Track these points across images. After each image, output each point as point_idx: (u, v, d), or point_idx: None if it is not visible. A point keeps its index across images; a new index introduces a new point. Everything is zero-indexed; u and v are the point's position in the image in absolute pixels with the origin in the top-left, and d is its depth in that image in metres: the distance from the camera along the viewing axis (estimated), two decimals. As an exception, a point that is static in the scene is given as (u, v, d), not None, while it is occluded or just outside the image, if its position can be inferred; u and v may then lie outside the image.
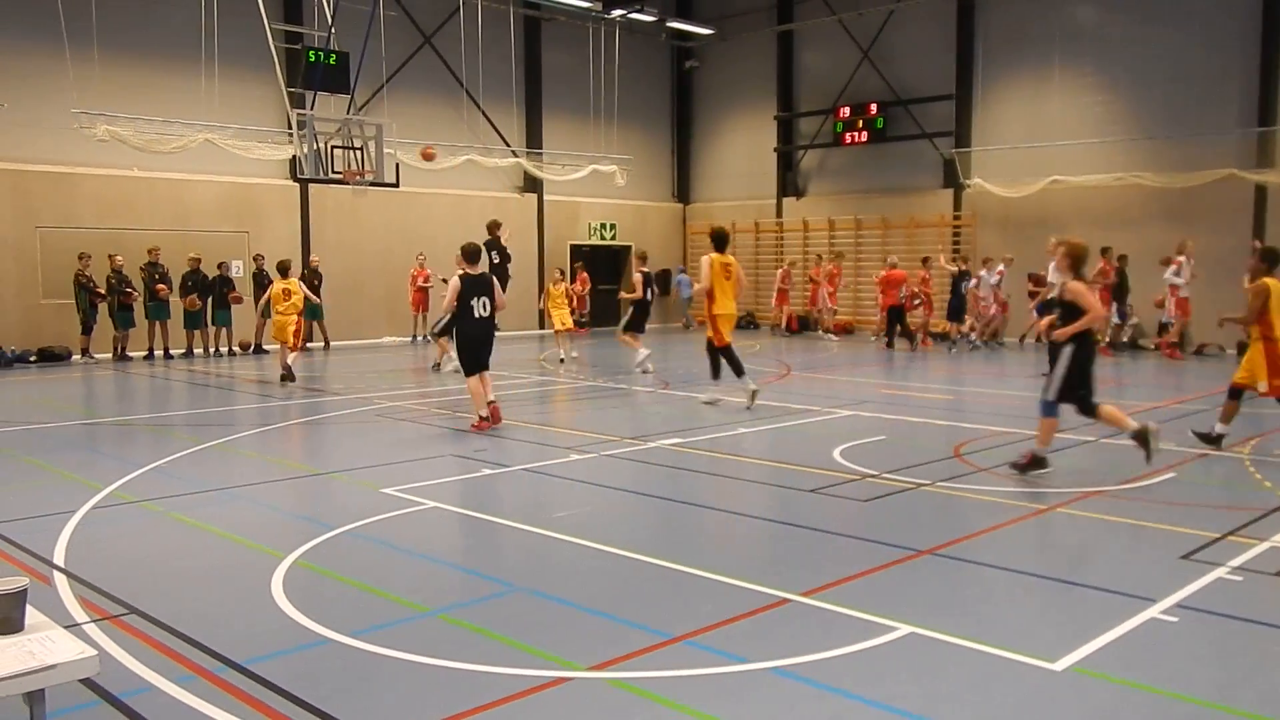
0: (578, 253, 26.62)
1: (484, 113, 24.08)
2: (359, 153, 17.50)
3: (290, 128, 17.83)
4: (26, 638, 2.66)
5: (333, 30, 17.66)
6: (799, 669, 4.32)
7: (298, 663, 4.47)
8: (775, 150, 27.30)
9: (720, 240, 12.22)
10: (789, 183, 27.26)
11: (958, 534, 6.53)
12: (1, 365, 17.14)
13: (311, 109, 17.56)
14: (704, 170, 29.35)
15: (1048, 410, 8.06)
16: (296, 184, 21.08)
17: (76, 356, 18.11)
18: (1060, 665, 4.34)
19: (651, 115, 28.54)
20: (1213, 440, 9.36)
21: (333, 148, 17.23)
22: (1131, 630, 4.76)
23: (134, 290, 18.30)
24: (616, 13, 23.94)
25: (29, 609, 2.75)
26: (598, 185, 25.14)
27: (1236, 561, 5.81)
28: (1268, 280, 9.09)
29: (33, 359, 17.78)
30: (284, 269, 15.29)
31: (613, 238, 27.74)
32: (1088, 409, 8.00)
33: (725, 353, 12.08)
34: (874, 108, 24.77)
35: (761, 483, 8.33)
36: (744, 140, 28.07)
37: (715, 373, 12.36)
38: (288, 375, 14.79)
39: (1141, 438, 7.78)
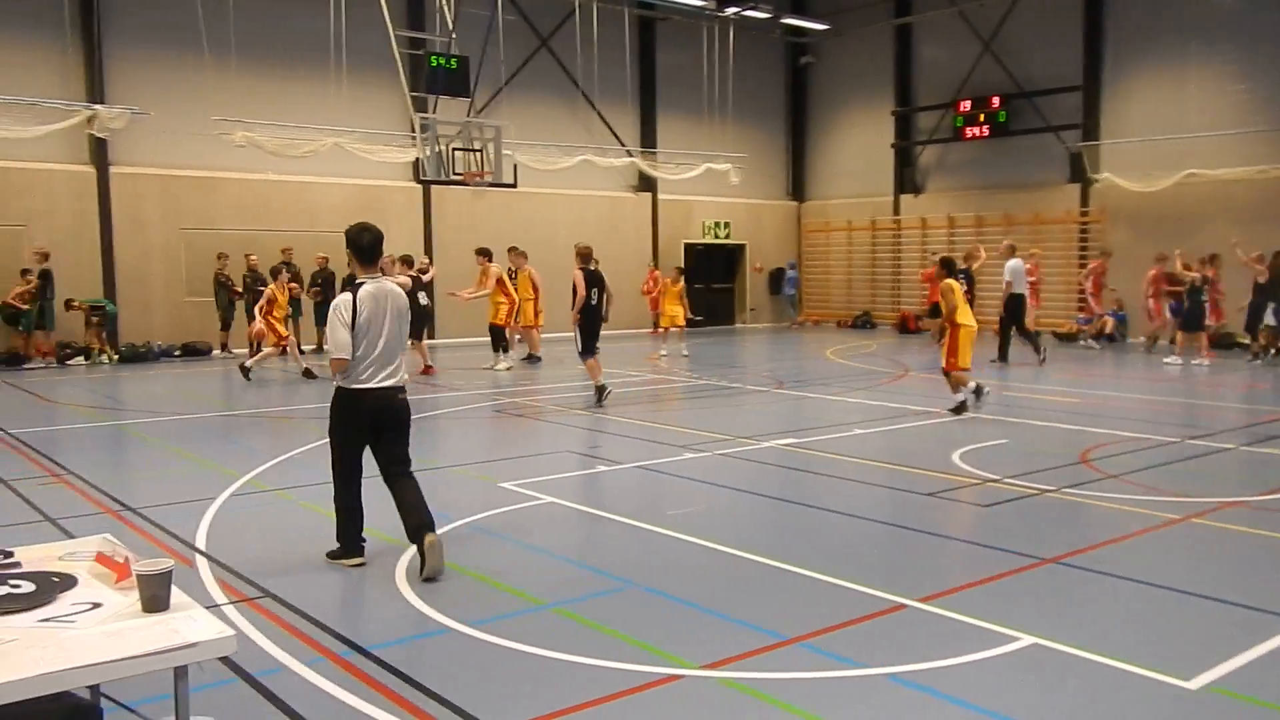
0: (692, 251, 26.66)
1: (599, 113, 24.32)
2: (478, 154, 17.92)
3: (413, 131, 18.38)
4: (171, 616, 2.82)
5: (453, 35, 18.12)
6: (915, 676, 4.23)
7: (419, 649, 4.63)
8: (892, 146, 26.72)
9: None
10: (907, 179, 26.64)
11: (1084, 543, 6.29)
12: (149, 359, 18.25)
13: (433, 112, 18.08)
14: (819, 167, 28.95)
15: None
16: (419, 186, 21.72)
17: (216, 351, 19.11)
18: (1195, 684, 4.14)
19: (766, 113, 28.29)
20: (959, 409, 11.28)
21: (453, 150, 17.70)
22: (1276, 650, 4.50)
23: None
24: (730, 11, 23.84)
25: (173, 589, 2.91)
26: (712, 184, 25.09)
27: (1395, 580, 5.43)
28: (950, 282, 11.46)
29: (177, 353, 18.85)
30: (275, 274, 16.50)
31: (727, 236, 27.66)
32: None
33: (495, 329, 16.86)
34: (996, 101, 23.95)
35: (877, 485, 8.19)
36: (860, 136, 27.56)
37: (499, 347, 16.80)
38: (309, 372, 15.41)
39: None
